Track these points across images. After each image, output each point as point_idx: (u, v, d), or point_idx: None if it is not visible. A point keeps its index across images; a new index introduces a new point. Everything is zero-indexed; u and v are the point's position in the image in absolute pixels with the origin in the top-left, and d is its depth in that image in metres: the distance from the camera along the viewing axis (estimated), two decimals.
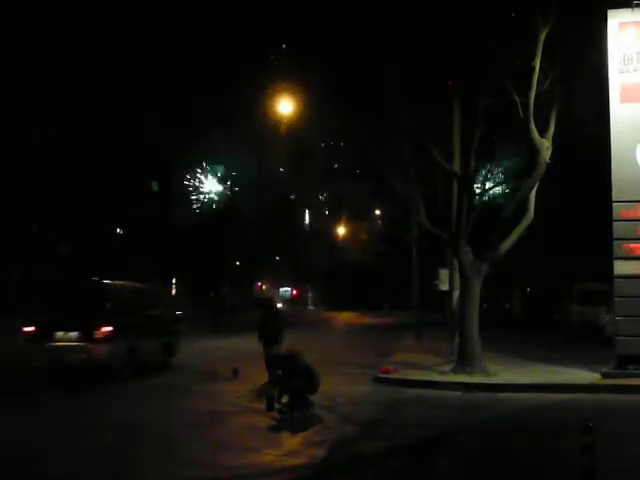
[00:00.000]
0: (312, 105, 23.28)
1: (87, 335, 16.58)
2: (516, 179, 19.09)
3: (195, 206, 58.86)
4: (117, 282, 19.32)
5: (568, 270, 35.15)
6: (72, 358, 16.46)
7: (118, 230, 53.40)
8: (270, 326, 16.55)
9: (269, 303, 17.87)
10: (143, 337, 18.33)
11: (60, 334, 16.80)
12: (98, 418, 12.52)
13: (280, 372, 13.39)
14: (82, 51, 38.49)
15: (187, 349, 22.52)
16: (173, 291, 64.69)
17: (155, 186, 58.12)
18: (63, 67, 37.61)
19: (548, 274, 39.36)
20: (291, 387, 12.86)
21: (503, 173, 21.66)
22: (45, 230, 40.28)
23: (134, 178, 48.79)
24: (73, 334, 16.76)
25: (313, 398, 12.95)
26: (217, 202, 59.69)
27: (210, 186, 60.63)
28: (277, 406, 12.99)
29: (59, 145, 39.39)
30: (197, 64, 44.88)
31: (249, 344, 19.59)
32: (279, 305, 17.73)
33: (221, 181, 59.33)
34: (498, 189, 22.37)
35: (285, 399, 13.01)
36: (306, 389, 12.84)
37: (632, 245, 16.69)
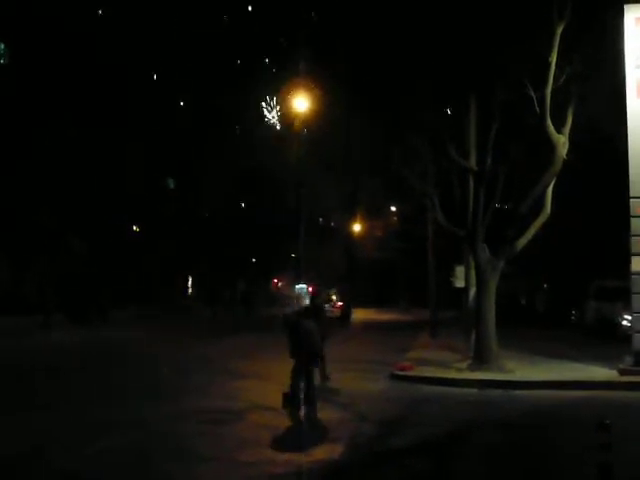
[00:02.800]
0: (331, 102, 23.28)
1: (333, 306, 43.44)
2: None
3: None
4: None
5: (586, 266, 35.01)
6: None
7: (135, 228, 53.62)
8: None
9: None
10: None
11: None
12: (114, 415, 12.59)
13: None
14: (102, 50, 38.76)
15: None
16: (189, 291, 64.90)
17: (171, 184, 58.28)
18: (83, 64, 37.85)
19: (566, 270, 39.21)
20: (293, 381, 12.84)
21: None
22: (62, 227, 40.47)
23: (151, 176, 48.97)
24: None
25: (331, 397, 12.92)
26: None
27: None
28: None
29: (77, 142, 39.59)
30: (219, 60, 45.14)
31: None
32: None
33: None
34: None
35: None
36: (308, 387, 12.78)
37: None
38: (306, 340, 12.76)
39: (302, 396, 12.70)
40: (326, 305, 23.08)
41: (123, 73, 41.05)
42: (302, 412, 12.48)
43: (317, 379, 14.57)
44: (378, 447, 10.48)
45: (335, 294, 50.94)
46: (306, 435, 11.15)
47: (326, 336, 16.56)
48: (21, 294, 40.62)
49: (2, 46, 38.82)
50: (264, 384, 16.11)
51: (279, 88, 42.02)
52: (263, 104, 49.01)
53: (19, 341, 27.57)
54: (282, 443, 10.64)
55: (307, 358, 12.86)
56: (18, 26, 36.26)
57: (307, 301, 15.44)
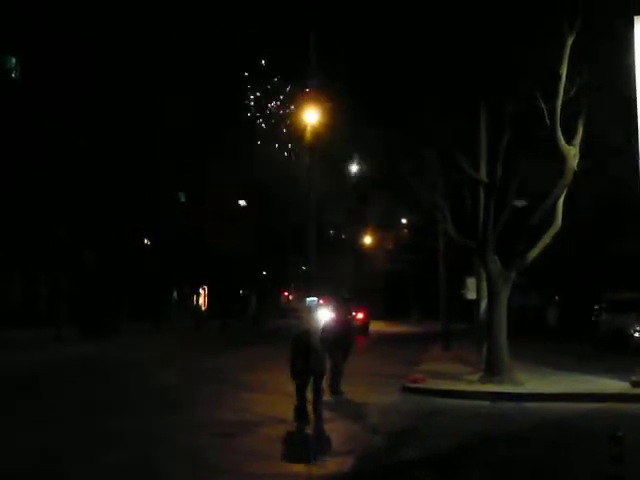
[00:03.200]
0: (339, 115, 23.28)
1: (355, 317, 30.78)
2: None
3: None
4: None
5: (598, 278, 34.88)
6: None
7: (145, 241, 53.64)
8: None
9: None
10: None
11: None
12: (125, 426, 12.60)
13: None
14: (112, 59, 38.93)
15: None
16: (201, 302, 64.98)
17: (182, 197, 58.30)
18: (94, 75, 38.04)
19: (578, 282, 39.07)
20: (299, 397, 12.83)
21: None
22: (74, 239, 40.55)
23: (162, 188, 49.03)
24: None
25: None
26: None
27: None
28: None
29: (87, 154, 39.75)
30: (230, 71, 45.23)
31: None
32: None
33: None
34: None
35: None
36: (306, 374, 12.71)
37: None
38: (308, 358, 12.68)
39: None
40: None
41: (132, 87, 41.22)
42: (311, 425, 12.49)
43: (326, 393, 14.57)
44: (388, 459, 10.45)
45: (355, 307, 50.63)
46: (313, 447, 11.13)
47: (350, 350, 16.57)
48: (33, 307, 40.73)
49: (13, 60, 39.07)
50: (274, 397, 16.07)
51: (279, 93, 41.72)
52: (247, 101, 48.46)
53: (32, 354, 27.60)
54: (292, 456, 10.64)
55: (308, 377, 12.79)
56: (27, 38, 36.50)
57: (322, 314, 15.12)
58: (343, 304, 17.88)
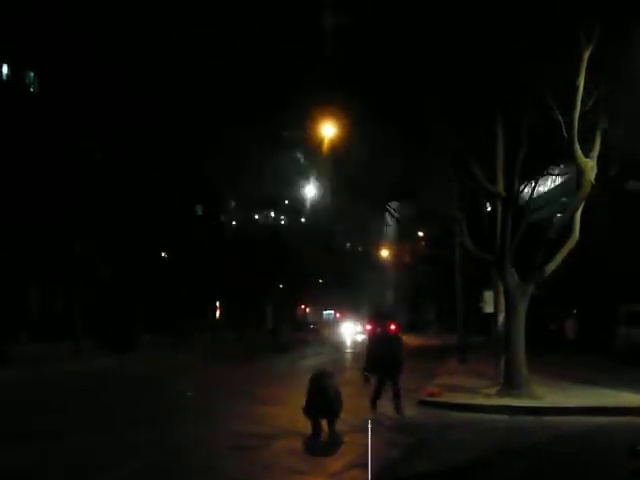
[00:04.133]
0: (354, 128, 23.29)
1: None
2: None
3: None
4: None
5: (616, 291, 34.61)
6: None
7: (163, 254, 53.84)
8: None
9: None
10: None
11: None
12: (145, 437, 12.63)
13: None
14: (129, 73, 39.17)
15: None
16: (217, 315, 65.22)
17: (199, 210, 58.55)
18: (111, 90, 38.27)
19: (596, 295, 38.79)
20: (309, 412, 12.82)
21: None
22: (91, 253, 40.73)
23: (180, 201, 49.25)
24: None
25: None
26: None
27: None
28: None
29: (103, 167, 39.98)
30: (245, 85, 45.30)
31: None
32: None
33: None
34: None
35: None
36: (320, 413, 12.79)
37: None
38: (320, 397, 12.76)
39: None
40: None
41: (148, 100, 41.45)
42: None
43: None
44: (404, 472, 10.42)
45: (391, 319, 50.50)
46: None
47: (399, 364, 16.20)
48: (49, 321, 40.88)
49: (32, 75, 39.48)
50: (291, 411, 16.03)
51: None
52: None
53: (52, 367, 27.76)
54: (310, 468, 10.65)
55: (320, 414, 12.84)
56: (45, 53, 36.84)
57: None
58: (379, 318, 17.61)
